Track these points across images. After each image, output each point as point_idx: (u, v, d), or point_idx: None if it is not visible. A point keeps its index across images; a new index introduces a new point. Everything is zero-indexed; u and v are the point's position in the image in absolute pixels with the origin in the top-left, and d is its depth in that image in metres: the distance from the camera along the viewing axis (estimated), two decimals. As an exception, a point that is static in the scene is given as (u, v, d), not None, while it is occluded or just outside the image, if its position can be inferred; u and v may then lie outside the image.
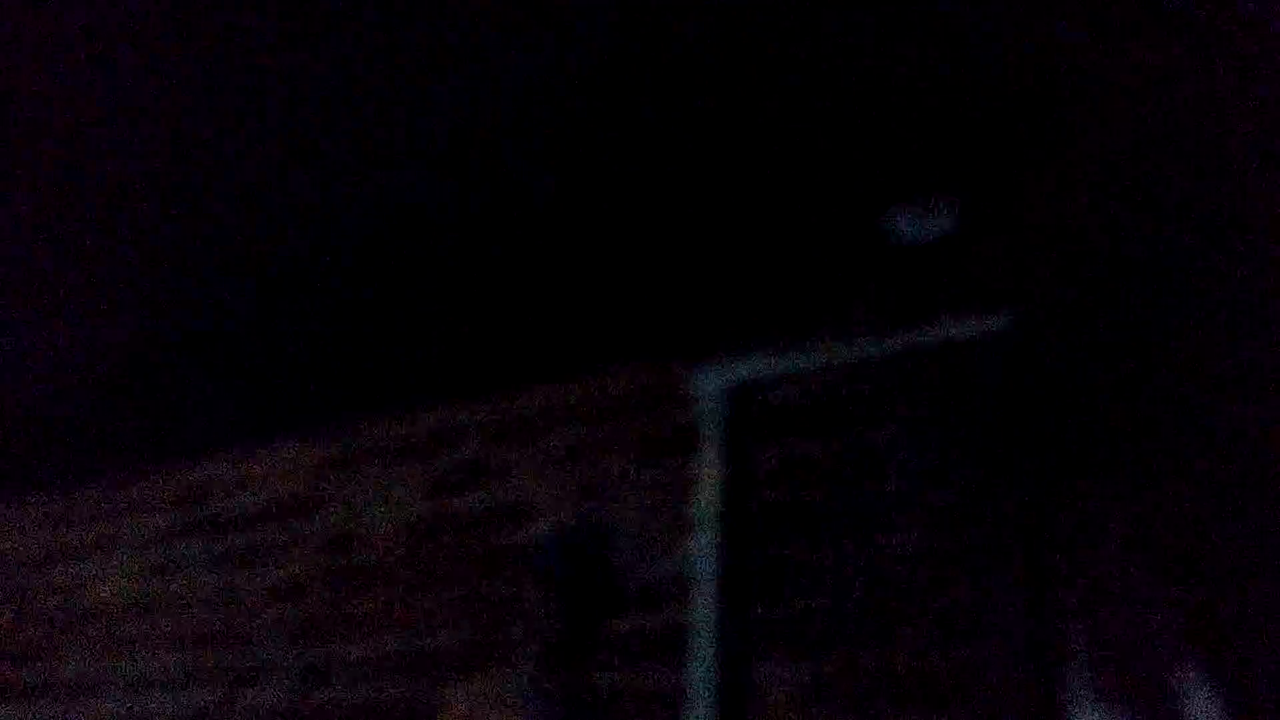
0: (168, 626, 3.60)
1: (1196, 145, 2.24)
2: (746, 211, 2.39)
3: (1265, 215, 2.18)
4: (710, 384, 2.65)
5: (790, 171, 2.26)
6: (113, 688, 3.64)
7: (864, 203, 2.32)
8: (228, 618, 3.45)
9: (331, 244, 2.68)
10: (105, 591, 3.89)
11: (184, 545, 3.75)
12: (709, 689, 2.37)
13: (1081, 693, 2.06)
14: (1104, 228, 2.33)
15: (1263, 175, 2.19)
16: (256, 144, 2.36)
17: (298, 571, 3.36)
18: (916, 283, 2.49)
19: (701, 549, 2.52)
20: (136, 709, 3.52)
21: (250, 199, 2.53)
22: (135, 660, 3.64)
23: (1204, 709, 2.00)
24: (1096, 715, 2.06)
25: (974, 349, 2.38)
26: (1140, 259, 2.30)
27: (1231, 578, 2.09)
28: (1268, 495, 2.16)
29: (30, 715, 3.82)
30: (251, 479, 3.67)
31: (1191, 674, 2.08)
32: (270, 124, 2.30)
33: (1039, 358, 2.32)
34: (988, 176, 2.24)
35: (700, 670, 2.40)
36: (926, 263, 2.44)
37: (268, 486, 3.60)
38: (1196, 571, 2.10)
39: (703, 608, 2.46)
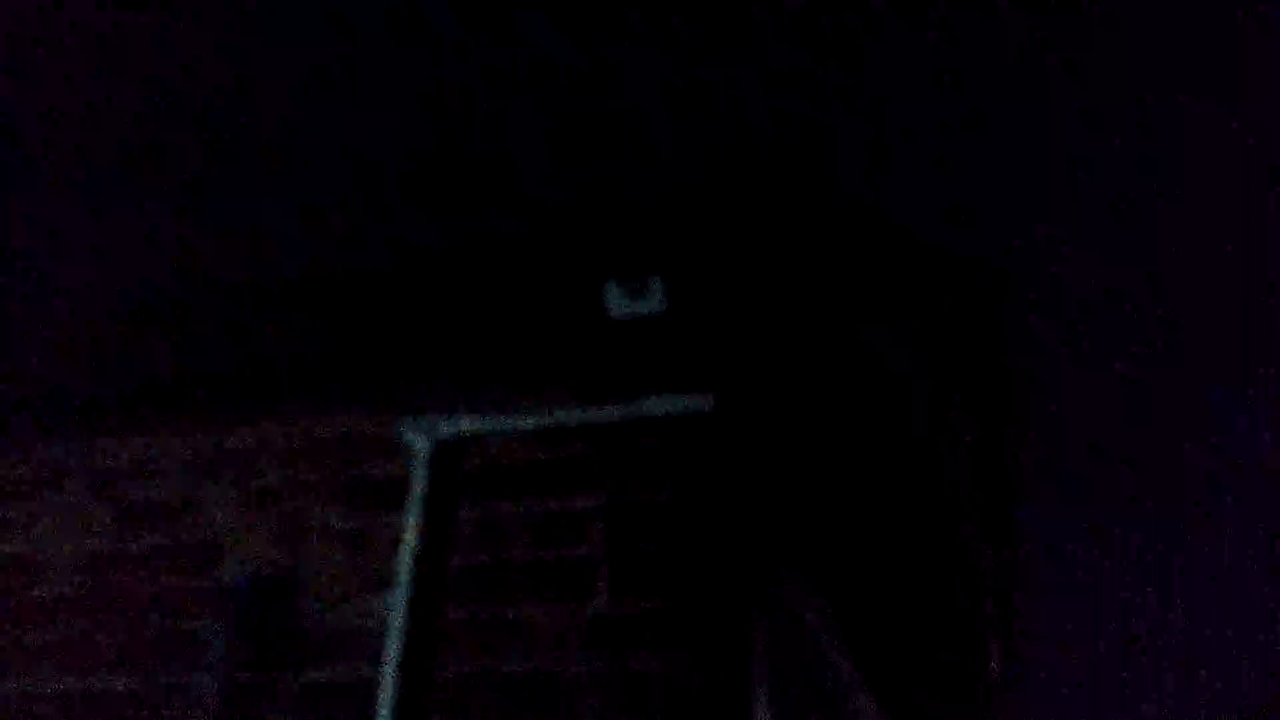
0: None
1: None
2: (470, 272, 2.41)
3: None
4: (420, 438, 2.65)
5: (515, 242, 2.30)
6: None
7: (583, 276, 2.39)
8: (-125, 646, 3.16)
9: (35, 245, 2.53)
10: None
11: None
12: (389, 748, 2.35)
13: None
14: (799, 315, 2.48)
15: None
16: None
17: (-38, 599, 3.12)
18: (629, 357, 2.57)
19: (395, 603, 2.50)
20: None
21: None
22: None
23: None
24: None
25: (680, 424, 2.48)
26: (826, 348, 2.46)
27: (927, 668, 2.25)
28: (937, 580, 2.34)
29: None
30: (-81, 495, 3.38)
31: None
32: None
33: (739, 438, 2.44)
34: (693, 260, 2.35)
35: (382, 728, 2.39)
36: (639, 339, 2.53)
37: (-65, 506, 3.33)
38: (884, 667, 2.26)
39: (391, 663, 2.44)
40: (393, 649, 2.45)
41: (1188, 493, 2.01)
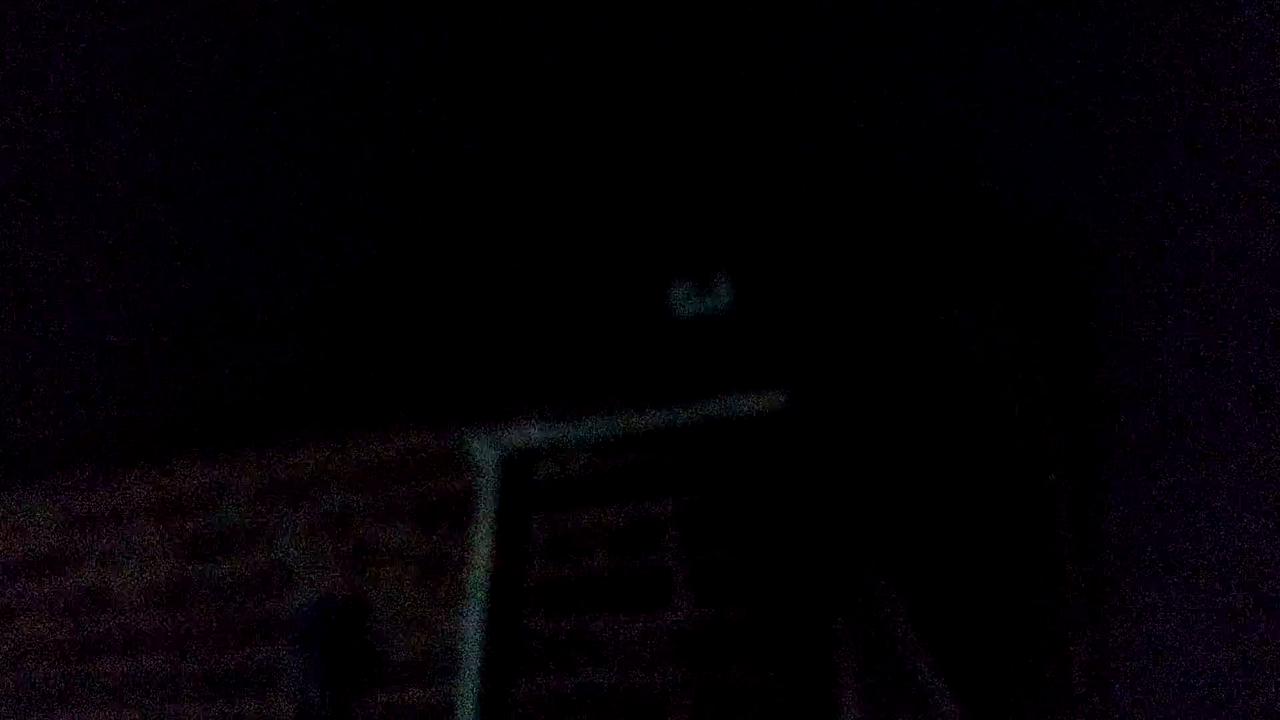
0: (-117, 693, 3.28)
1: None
2: (531, 278, 2.36)
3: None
4: (486, 452, 2.59)
5: (574, 242, 2.24)
6: None
7: (647, 277, 2.32)
8: (-47, 685, 3.17)
9: (82, 280, 2.51)
10: None
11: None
12: (470, 770, 2.29)
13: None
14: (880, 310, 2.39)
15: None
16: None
17: (36, 633, 3.11)
18: (698, 358, 2.50)
19: (469, 622, 2.44)
20: None
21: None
22: None
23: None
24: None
25: (754, 424, 2.40)
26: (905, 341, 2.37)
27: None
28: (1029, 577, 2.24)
29: None
30: (-10, 532, 3.39)
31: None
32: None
33: (817, 435, 2.36)
34: (762, 254, 2.27)
35: (462, 750, 2.32)
36: (708, 338, 2.45)
37: (4, 541, 3.33)
38: (968, 672, 2.16)
39: (468, 683, 2.38)
40: (469, 668, 2.38)
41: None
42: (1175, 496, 2.49)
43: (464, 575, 2.55)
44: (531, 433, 2.57)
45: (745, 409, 2.36)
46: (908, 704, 2.24)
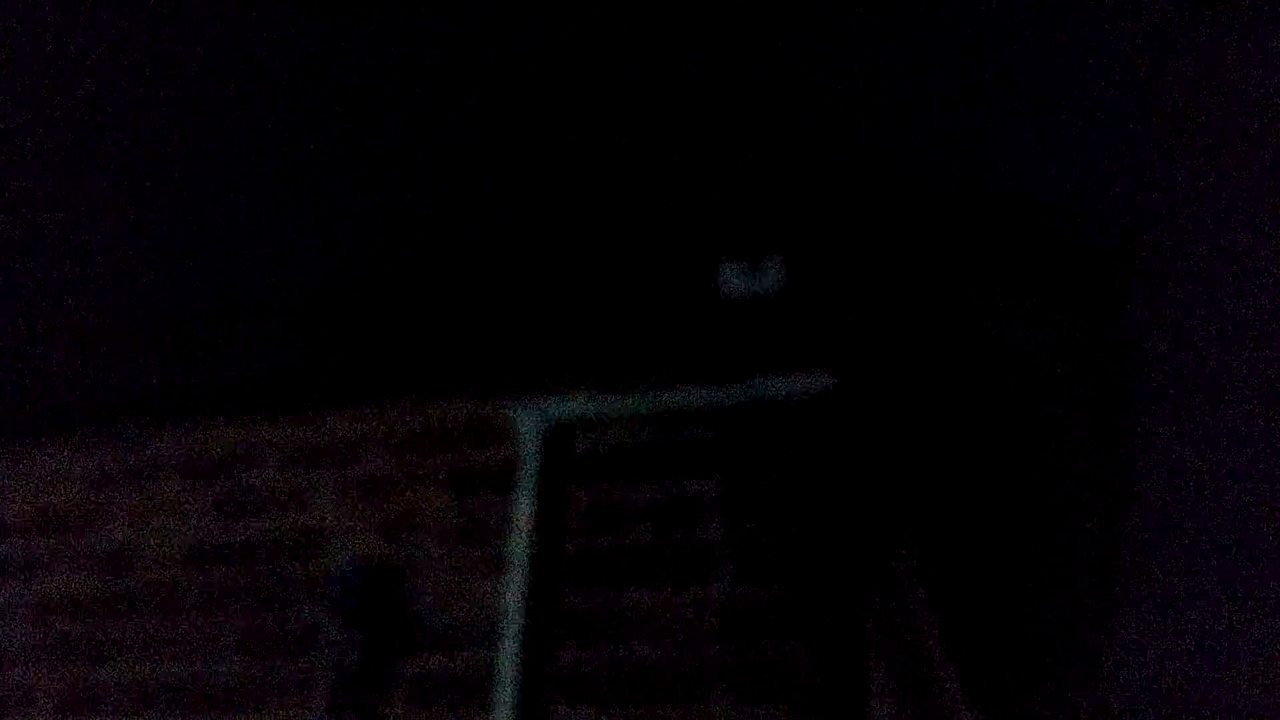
0: (-92, 642, 3.29)
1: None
2: (580, 254, 2.37)
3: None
4: (529, 422, 2.61)
5: (627, 220, 2.26)
6: None
7: (697, 256, 2.33)
8: (-20, 636, 3.18)
9: (125, 244, 2.51)
10: None
11: (-67, 553, 3.43)
12: (509, 736, 2.32)
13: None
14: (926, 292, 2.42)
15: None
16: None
17: (67, 588, 3.13)
18: (745, 338, 2.52)
19: (509, 590, 2.47)
20: None
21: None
22: None
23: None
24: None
25: (798, 405, 2.43)
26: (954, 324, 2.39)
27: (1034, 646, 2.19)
28: (1069, 558, 2.27)
29: None
30: (18, 486, 3.40)
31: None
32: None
33: (860, 417, 2.38)
34: (813, 238, 2.29)
35: (502, 716, 2.35)
36: (755, 319, 2.47)
37: (38, 496, 3.33)
38: (993, 643, 2.20)
39: (507, 651, 2.41)
40: (509, 636, 2.41)
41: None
42: (1203, 488, 2.52)
43: (502, 544, 2.57)
44: (574, 404, 2.59)
45: (791, 389, 2.39)
46: (923, 688, 2.27)
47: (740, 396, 2.43)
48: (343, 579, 2.64)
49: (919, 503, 2.37)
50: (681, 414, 2.51)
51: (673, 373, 2.54)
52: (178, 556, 2.99)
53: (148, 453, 3.18)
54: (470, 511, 2.65)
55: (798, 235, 2.27)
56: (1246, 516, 2.39)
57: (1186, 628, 2.43)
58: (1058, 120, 2.11)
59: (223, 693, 2.74)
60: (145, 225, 2.48)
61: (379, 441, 2.84)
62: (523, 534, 2.51)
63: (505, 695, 2.36)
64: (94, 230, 2.50)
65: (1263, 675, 2.12)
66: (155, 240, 2.52)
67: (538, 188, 2.24)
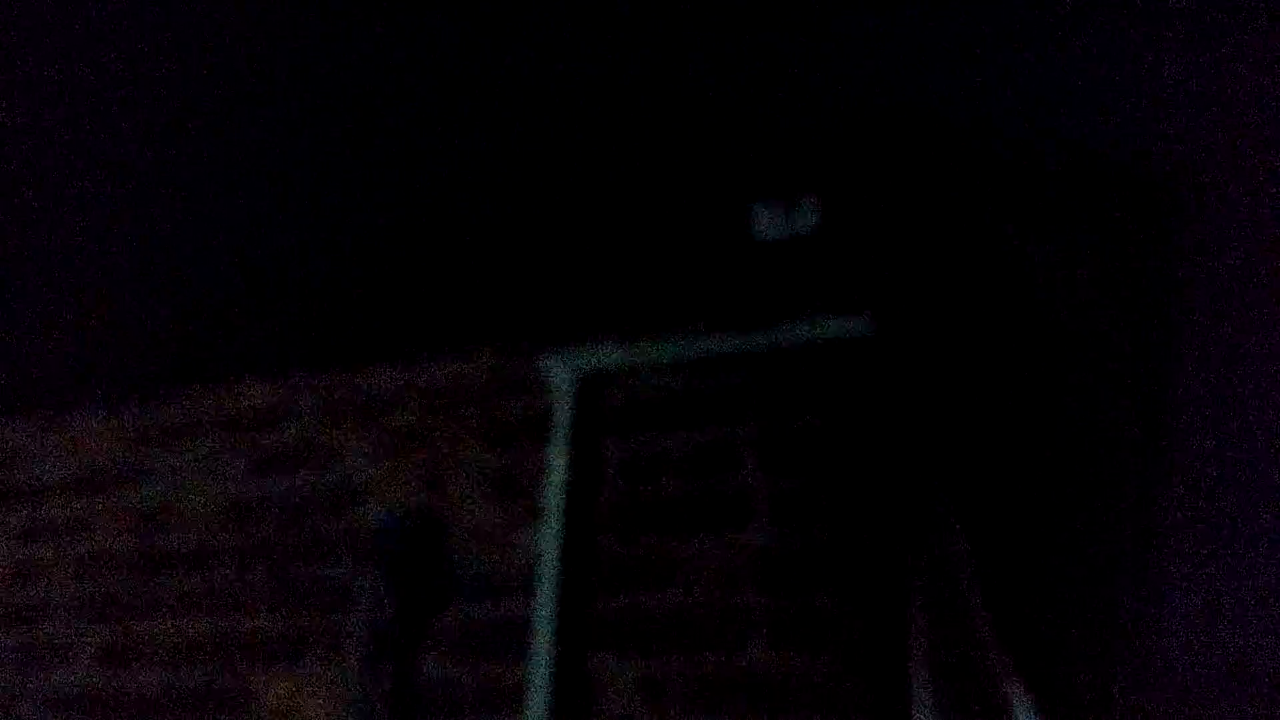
0: (-47, 601, 3.33)
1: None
2: (609, 199, 2.33)
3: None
4: (562, 371, 2.58)
5: (656, 163, 2.21)
6: (-114, 666, 3.34)
7: (729, 198, 2.29)
8: (24, 592, 3.21)
9: (157, 204, 2.50)
10: (-119, 560, 3.57)
11: (-25, 513, 3.47)
12: (547, 684, 2.31)
13: (925, 701, 2.08)
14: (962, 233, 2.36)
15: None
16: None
17: (106, 546, 3.14)
18: (779, 281, 2.48)
19: (544, 540, 2.45)
20: (-87, 689, 3.24)
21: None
22: (-87, 636, 3.35)
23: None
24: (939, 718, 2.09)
25: (835, 348, 2.38)
26: (995, 265, 2.33)
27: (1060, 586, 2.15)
28: (1112, 502, 2.22)
29: None
30: (58, 446, 3.42)
31: (1018, 682, 2.13)
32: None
33: (898, 360, 2.34)
34: (849, 178, 2.24)
35: (539, 665, 2.34)
36: (790, 262, 2.43)
37: (77, 456, 3.35)
38: (1027, 589, 2.15)
39: (543, 601, 2.39)
40: (545, 584, 2.40)
41: None
42: (1254, 439, 2.46)
43: (536, 493, 2.55)
44: (605, 353, 2.56)
45: (827, 333, 2.34)
46: (965, 641, 2.23)
47: (776, 341, 2.39)
48: (379, 530, 2.63)
49: (957, 447, 2.32)
50: (716, 360, 2.47)
51: (707, 319, 2.50)
52: (214, 513, 2.99)
53: (183, 411, 3.18)
54: (505, 462, 2.63)
55: (834, 174, 2.22)
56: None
57: (1234, 583, 2.38)
58: (1105, 55, 2.04)
59: (259, 646, 2.75)
60: (181, 186, 2.47)
61: (412, 395, 2.83)
62: (557, 484, 2.49)
63: (542, 644, 2.35)
64: (128, 193, 2.49)
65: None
66: (190, 200, 2.51)
67: (566, 129, 2.20)
